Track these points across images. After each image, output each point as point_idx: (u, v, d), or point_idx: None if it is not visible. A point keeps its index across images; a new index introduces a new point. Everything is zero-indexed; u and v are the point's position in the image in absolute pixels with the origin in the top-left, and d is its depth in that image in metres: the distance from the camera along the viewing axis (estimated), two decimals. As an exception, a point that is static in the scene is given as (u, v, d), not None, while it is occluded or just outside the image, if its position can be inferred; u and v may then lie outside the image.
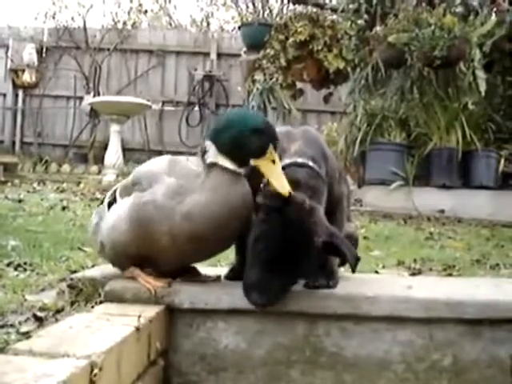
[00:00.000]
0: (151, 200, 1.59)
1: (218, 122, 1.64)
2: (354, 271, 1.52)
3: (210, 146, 1.58)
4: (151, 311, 1.49)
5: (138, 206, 1.61)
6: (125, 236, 1.63)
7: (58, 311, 1.71)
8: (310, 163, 1.63)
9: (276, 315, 1.59)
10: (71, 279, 1.81)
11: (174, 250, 1.57)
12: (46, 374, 0.96)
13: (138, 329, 1.32)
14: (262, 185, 1.59)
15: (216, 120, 1.62)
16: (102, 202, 1.88)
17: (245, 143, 1.54)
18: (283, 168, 1.57)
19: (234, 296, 1.58)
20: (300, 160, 1.64)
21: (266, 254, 1.47)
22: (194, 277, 1.73)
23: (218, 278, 1.74)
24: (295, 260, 1.48)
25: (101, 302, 1.64)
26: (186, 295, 1.58)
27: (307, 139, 1.72)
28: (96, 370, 1.06)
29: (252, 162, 1.56)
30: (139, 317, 1.36)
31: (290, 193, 1.49)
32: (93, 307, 1.59)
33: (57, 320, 1.56)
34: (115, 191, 1.77)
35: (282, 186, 1.50)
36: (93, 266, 2.30)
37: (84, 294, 1.77)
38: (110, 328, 1.30)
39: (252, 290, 1.47)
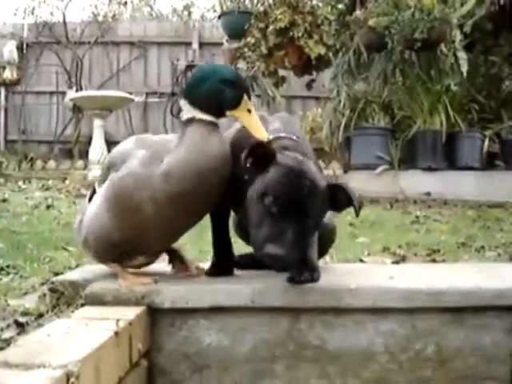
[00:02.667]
0: (126, 172, 1.58)
1: (189, 80, 1.66)
2: (357, 215, 1.51)
3: (184, 104, 1.60)
4: (131, 313, 1.48)
5: (114, 183, 1.60)
6: (107, 220, 1.62)
7: (40, 316, 1.70)
8: (294, 137, 1.63)
9: (258, 311, 1.59)
10: (52, 283, 1.80)
11: (160, 218, 1.55)
12: (21, 387, 0.95)
13: (117, 333, 1.31)
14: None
15: (187, 79, 1.64)
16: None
17: (219, 94, 1.57)
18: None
19: (216, 294, 1.57)
20: (282, 134, 1.63)
21: (275, 205, 1.43)
22: (182, 270, 1.77)
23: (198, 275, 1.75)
24: (304, 207, 1.45)
25: (82, 305, 1.63)
26: (167, 295, 1.57)
27: (284, 121, 1.72)
28: (72, 379, 1.05)
29: (228, 113, 1.59)
30: (118, 321, 1.35)
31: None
32: (73, 311, 1.57)
33: (39, 325, 1.55)
34: (93, 187, 1.76)
35: (261, 132, 1.54)
36: (77, 266, 2.29)
37: (65, 298, 1.75)
38: (88, 334, 1.29)
39: (267, 243, 1.40)
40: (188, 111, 1.59)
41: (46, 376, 1.01)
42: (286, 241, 1.40)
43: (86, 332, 1.30)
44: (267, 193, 1.45)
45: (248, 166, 1.48)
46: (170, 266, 1.83)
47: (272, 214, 1.43)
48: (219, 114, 1.60)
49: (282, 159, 1.49)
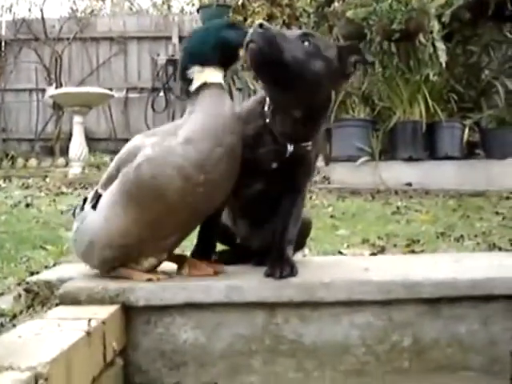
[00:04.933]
0: (141, 160, 1.53)
1: (187, 47, 1.64)
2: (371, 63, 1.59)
3: (193, 72, 1.59)
4: (105, 312, 1.46)
5: (128, 176, 1.55)
6: (122, 218, 1.56)
7: (15, 316, 1.69)
8: None
9: (234, 306, 1.58)
10: (27, 283, 1.78)
11: (187, 192, 1.51)
12: (-14, 390, 0.93)
13: (88, 333, 1.30)
14: None
15: (182, 50, 1.63)
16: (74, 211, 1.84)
17: (227, 39, 1.58)
18: None
19: (190, 290, 1.56)
20: None
21: None
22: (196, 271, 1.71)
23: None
24: None
25: (57, 305, 1.61)
26: (141, 292, 1.55)
27: None
28: (41, 381, 1.04)
29: (241, 52, 1.58)
30: (89, 320, 1.34)
31: None
32: (47, 312, 1.56)
33: (13, 326, 1.53)
34: (96, 191, 1.69)
35: None
36: (54, 265, 2.27)
37: (40, 298, 1.74)
38: (59, 334, 1.27)
39: None
40: (198, 77, 1.58)
41: (13, 379, 1.00)
42: None
43: (57, 333, 1.29)
44: None
45: None
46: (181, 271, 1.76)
47: None
48: (233, 59, 1.62)
49: None
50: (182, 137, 1.53)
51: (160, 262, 1.72)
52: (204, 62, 1.58)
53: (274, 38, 1.49)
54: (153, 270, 1.70)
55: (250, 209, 1.74)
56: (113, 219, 1.58)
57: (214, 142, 1.52)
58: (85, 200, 1.80)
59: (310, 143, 1.63)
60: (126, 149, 1.64)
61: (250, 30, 1.50)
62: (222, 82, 1.61)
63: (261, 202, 1.73)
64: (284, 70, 1.50)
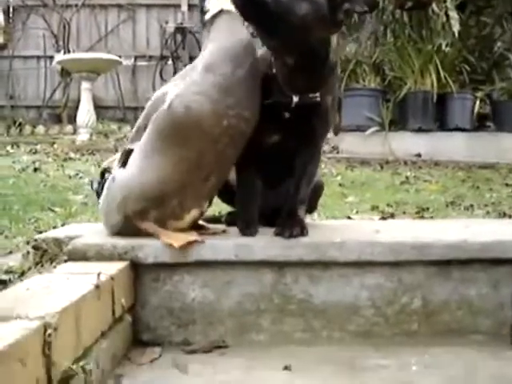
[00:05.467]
0: (171, 99, 1.51)
1: None
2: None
3: (208, 2, 1.58)
4: (114, 267, 1.45)
5: (162, 117, 1.52)
6: (161, 162, 1.52)
7: (24, 273, 1.69)
8: None
9: (243, 265, 1.57)
10: (35, 240, 1.77)
11: (220, 115, 1.49)
12: (-5, 337, 0.93)
13: (97, 286, 1.29)
14: None
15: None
16: (102, 175, 1.80)
17: None
18: None
19: (200, 248, 1.55)
20: None
21: None
22: (204, 231, 1.70)
23: (223, 231, 1.73)
24: None
25: (65, 262, 1.60)
26: (150, 249, 1.54)
27: None
28: (50, 331, 1.03)
29: None
30: (99, 274, 1.33)
31: None
32: (55, 267, 1.55)
33: (21, 282, 1.53)
34: (124, 149, 1.66)
35: None
36: (62, 226, 2.27)
37: (49, 255, 1.73)
38: (68, 287, 1.27)
39: None
40: (214, 6, 1.57)
41: (22, 327, 0.99)
42: None
43: (66, 286, 1.28)
44: None
45: None
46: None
47: None
48: None
49: None
50: (201, 66, 1.52)
51: (202, 214, 1.68)
52: None
53: None
54: (194, 224, 1.67)
55: (265, 166, 1.71)
56: (150, 168, 1.53)
57: (233, 65, 1.51)
58: (103, 172, 1.78)
59: (317, 94, 1.60)
60: (151, 100, 1.62)
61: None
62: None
63: (276, 159, 1.71)
64: (267, 13, 1.45)
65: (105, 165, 1.84)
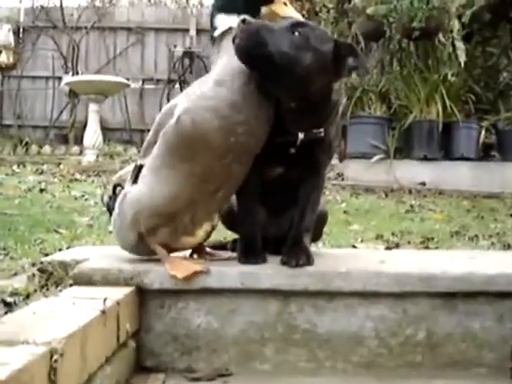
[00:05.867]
0: (180, 113, 1.52)
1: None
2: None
3: (218, 19, 1.61)
4: (119, 293, 1.46)
5: (171, 131, 1.52)
6: (170, 176, 1.53)
7: (29, 296, 1.69)
8: None
9: (248, 293, 1.57)
10: (41, 263, 1.78)
11: (227, 131, 1.49)
12: (2, 362, 0.93)
13: (103, 312, 1.29)
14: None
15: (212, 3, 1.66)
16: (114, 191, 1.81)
17: None
18: None
19: (206, 275, 1.55)
20: None
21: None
22: (211, 257, 1.72)
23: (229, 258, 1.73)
24: None
25: (71, 285, 1.61)
26: (156, 275, 1.55)
27: None
28: (56, 356, 1.03)
29: (264, 9, 1.61)
30: (105, 299, 1.33)
31: None
32: (61, 291, 1.56)
33: (27, 304, 1.53)
34: (135, 165, 1.67)
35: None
36: (67, 248, 2.27)
37: (54, 278, 1.74)
38: (74, 312, 1.27)
39: None
40: (223, 24, 1.59)
41: (29, 352, 0.99)
42: None
43: (72, 311, 1.29)
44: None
45: None
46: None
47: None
48: (255, 10, 1.61)
49: None
50: (212, 81, 1.53)
51: (213, 228, 1.68)
52: (230, 10, 1.59)
53: (258, 32, 1.47)
54: (205, 239, 1.69)
55: (269, 195, 1.73)
56: (160, 184, 1.54)
57: (243, 81, 1.51)
58: (115, 186, 1.80)
59: (321, 130, 1.61)
60: (161, 113, 1.63)
61: (235, 26, 1.50)
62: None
63: (280, 188, 1.72)
64: (270, 63, 1.48)
65: (115, 180, 1.85)
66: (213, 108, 1.49)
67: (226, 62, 1.56)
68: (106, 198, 1.86)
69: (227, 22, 1.59)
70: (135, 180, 1.63)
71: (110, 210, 1.77)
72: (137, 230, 1.60)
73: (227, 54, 1.56)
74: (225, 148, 1.51)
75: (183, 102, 1.55)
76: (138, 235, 1.61)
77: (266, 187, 1.70)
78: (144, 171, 1.60)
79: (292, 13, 1.61)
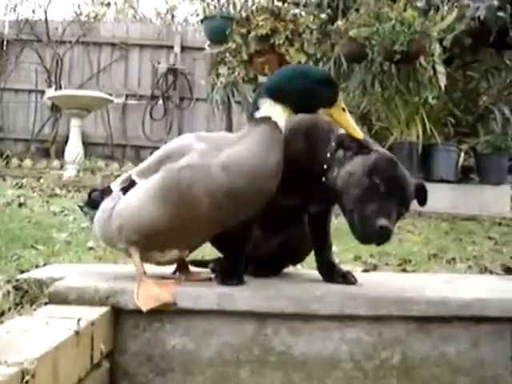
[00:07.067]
0: (186, 164, 1.55)
1: (273, 78, 1.63)
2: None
3: (264, 102, 1.58)
4: (94, 313, 1.45)
5: (171, 175, 1.57)
6: (155, 209, 1.58)
7: (3, 313, 1.67)
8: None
9: (224, 315, 1.57)
10: (17, 280, 1.77)
11: (212, 211, 1.53)
12: (-28, 383, 0.92)
13: (77, 332, 1.29)
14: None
15: (268, 79, 1.63)
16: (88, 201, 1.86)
17: (318, 92, 1.58)
18: None
19: (182, 297, 1.55)
20: None
21: (383, 184, 1.54)
22: (191, 275, 1.76)
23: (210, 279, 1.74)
24: (404, 192, 1.58)
25: (46, 304, 1.60)
26: (132, 296, 1.54)
27: None
28: (27, 377, 1.03)
29: (322, 111, 1.61)
30: (79, 320, 1.32)
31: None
32: (36, 310, 1.54)
33: (1, 322, 1.52)
34: (130, 176, 1.71)
35: (356, 130, 1.60)
36: (44, 265, 2.25)
37: (29, 296, 1.72)
38: (48, 332, 1.26)
39: (380, 217, 1.52)
40: (266, 109, 1.57)
41: (0, 373, 0.98)
42: (392, 217, 1.54)
43: (45, 330, 1.28)
44: (376, 172, 1.55)
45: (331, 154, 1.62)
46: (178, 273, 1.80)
47: (378, 192, 1.54)
48: (310, 110, 1.63)
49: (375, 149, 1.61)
50: (222, 159, 1.53)
51: (180, 258, 1.73)
52: (280, 99, 1.58)
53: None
54: (173, 262, 1.75)
55: (268, 218, 1.72)
56: (147, 209, 1.60)
57: (246, 181, 1.52)
58: (90, 194, 1.85)
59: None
60: (173, 144, 1.67)
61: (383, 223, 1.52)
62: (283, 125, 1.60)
63: (282, 212, 1.74)
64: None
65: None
66: (208, 187, 1.52)
67: (244, 151, 1.54)
68: (86, 209, 1.88)
69: (271, 109, 1.57)
70: (125, 191, 1.68)
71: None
72: (122, 236, 1.67)
73: (251, 144, 1.55)
74: (205, 218, 1.56)
75: (195, 152, 1.56)
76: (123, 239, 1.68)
77: (270, 211, 1.70)
78: (138, 190, 1.64)
79: (349, 120, 1.60)
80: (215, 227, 1.63)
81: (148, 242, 1.63)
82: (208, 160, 1.54)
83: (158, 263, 1.73)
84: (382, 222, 1.51)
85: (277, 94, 1.58)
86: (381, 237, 1.54)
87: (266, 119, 1.56)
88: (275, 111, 1.57)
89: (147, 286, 1.58)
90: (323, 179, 1.64)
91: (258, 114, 1.58)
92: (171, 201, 1.56)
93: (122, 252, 1.78)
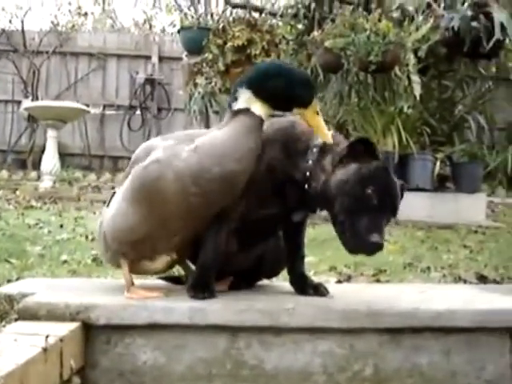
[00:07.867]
0: (151, 160, 1.56)
1: (255, 72, 1.63)
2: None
3: (243, 93, 1.58)
4: (64, 329, 1.44)
5: (138, 174, 1.58)
6: (130, 214, 1.60)
7: (-27, 330, 1.65)
8: None
9: (196, 329, 1.57)
10: (-13, 296, 1.75)
11: (182, 199, 1.53)
12: None
13: (45, 349, 1.27)
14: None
15: (250, 70, 1.64)
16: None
17: (293, 91, 1.59)
18: None
19: (153, 310, 1.55)
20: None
21: (376, 197, 1.53)
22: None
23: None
24: (395, 203, 1.59)
25: (16, 320, 1.58)
26: (102, 311, 1.53)
27: None
28: (-7, 397, 1.02)
29: (296, 111, 1.62)
30: (47, 337, 1.31)
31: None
32: (5, 326, 1.53)
33: (-30, 339, 1.50)
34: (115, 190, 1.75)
35: (327, 135, 1.60)
36: (17, 279, 2.23)
37: (-1, 312, 1.70)
38: (15, 349, 1.25)
39: (372, 232, 1.51)
40: (245, 101, 1.58)
41: (-37, 393, 0.97)
42: (383, 230, 1.54)
43: (13, 348, 1.27)
44: (370, 183, 1.53)
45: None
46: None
47: (371, 204, 1.52)
48: (286, 109, 1.64)
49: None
50: (195, 144, 1.55)
51: (173, 261, 1.73)
52: (259, 94, 1.58)
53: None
54: (167, 268, 1.76)
55: (245, 230, 1.72)
56: (120, 215, 1.63)
57: (216, 162, 1.52)
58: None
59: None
60: (140, 148, 1.69)
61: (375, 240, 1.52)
62: (264, 119, 1.60)
63: (259, 224, 1.73)
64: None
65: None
66: (177, 170, 1.53)
67: (218, 136, 1.56)
68: None
69: (250, 101, 1.58)
70: (108, 204, 1.72)
71: None
72: (108, 247, 1.70)
73: (227, 132, 1.56)
74: (177, 211, 1.56)
75: (161, 149, 1.58)
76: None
77: (246, 223, 1.70)
78: (114, 199, 1.69)
79: (321, 123, 1.60)
80: (192, 221, 1.60)
81: (134, 250, 1.65)
82: (179, 149, 1.55)
83: (153, 273, 1.77)
84: (375, 238, 1.51)
85: (258, 88, 1.59)
86: (373, 251, 1.55)
87: (245, 111, 1.58)
88: (254, 105, 1.58)
89: (136, 291, 1.64)
90: (306, 187, 1.64)
91: (236, 106, 1.59)
92: (143, 199, 1.57)
93: (119, 268, 1.78)
